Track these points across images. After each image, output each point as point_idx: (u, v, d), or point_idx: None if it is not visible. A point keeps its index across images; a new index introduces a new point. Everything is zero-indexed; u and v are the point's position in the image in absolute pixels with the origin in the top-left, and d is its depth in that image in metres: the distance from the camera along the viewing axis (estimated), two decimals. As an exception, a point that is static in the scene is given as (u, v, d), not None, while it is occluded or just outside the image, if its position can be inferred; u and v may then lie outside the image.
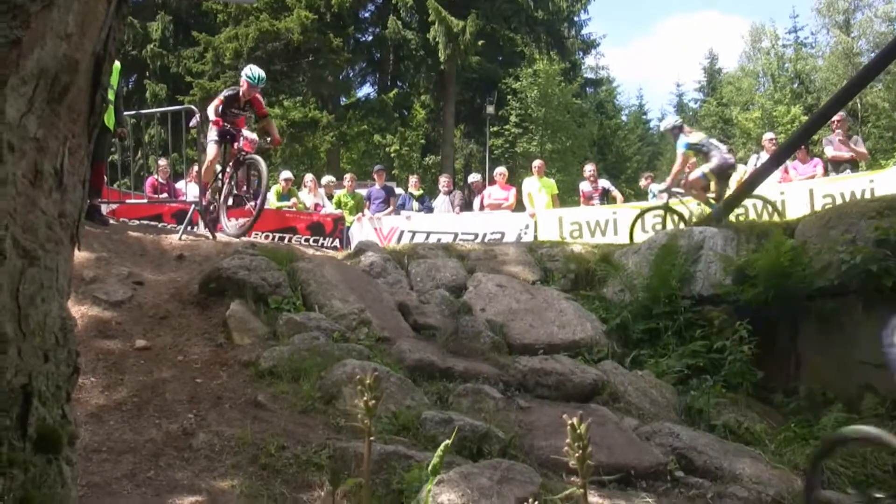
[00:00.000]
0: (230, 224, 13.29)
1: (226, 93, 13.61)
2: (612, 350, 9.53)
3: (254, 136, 13.34)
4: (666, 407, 8.32)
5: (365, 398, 2.51)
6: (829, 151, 17.43)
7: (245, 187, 13.25)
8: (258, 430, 6.12)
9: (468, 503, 5.08)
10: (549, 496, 5.30)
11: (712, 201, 14.43)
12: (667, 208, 15.72)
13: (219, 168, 13.33)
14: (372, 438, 2.51)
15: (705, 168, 14.71)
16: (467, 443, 6.42)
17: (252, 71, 13.39)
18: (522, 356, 8.83)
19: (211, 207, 13.38)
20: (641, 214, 16.26)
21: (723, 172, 14.68)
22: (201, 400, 6.73)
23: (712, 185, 14.68)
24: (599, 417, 7.32)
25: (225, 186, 13.31)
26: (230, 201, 13.31)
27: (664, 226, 15.43)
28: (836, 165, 17.42)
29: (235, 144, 13.06)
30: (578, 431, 2.28)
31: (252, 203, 12.98)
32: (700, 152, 15.08)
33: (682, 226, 14.17)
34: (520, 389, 8.15)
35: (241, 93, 13.39)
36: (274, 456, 5.84)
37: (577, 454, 2.27)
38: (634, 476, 6.67)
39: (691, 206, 15.19)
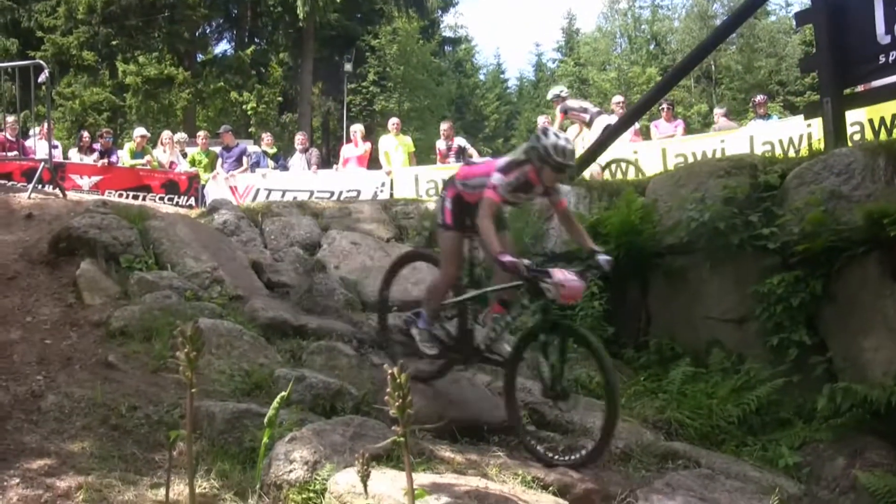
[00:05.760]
0: None
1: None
2: (466, 307, 9.65)
3: None
4: (518, 362, 8.48)
5: (186, 350, 2.50)
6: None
7: None
8: (109, 391, 6.08)
9: (321, 459, 5.14)
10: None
11: None
12: None
13: None
14: (194, 391, 2.51)
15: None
16: (320, 400, 6.51)
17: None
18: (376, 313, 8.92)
19: None
20: None
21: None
22: (51, 361, 6.65)
23: None
24: (453, 373, 7.46)
25: None
26: None
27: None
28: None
29: None
30: (398, 381, 2.33)
31: None
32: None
33: None
34: (373, 346, 8.24)
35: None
36: (125, 416, 5.82)
37: (397, 403, 2.32)
38: (487, 431, 6.84)
39: None
